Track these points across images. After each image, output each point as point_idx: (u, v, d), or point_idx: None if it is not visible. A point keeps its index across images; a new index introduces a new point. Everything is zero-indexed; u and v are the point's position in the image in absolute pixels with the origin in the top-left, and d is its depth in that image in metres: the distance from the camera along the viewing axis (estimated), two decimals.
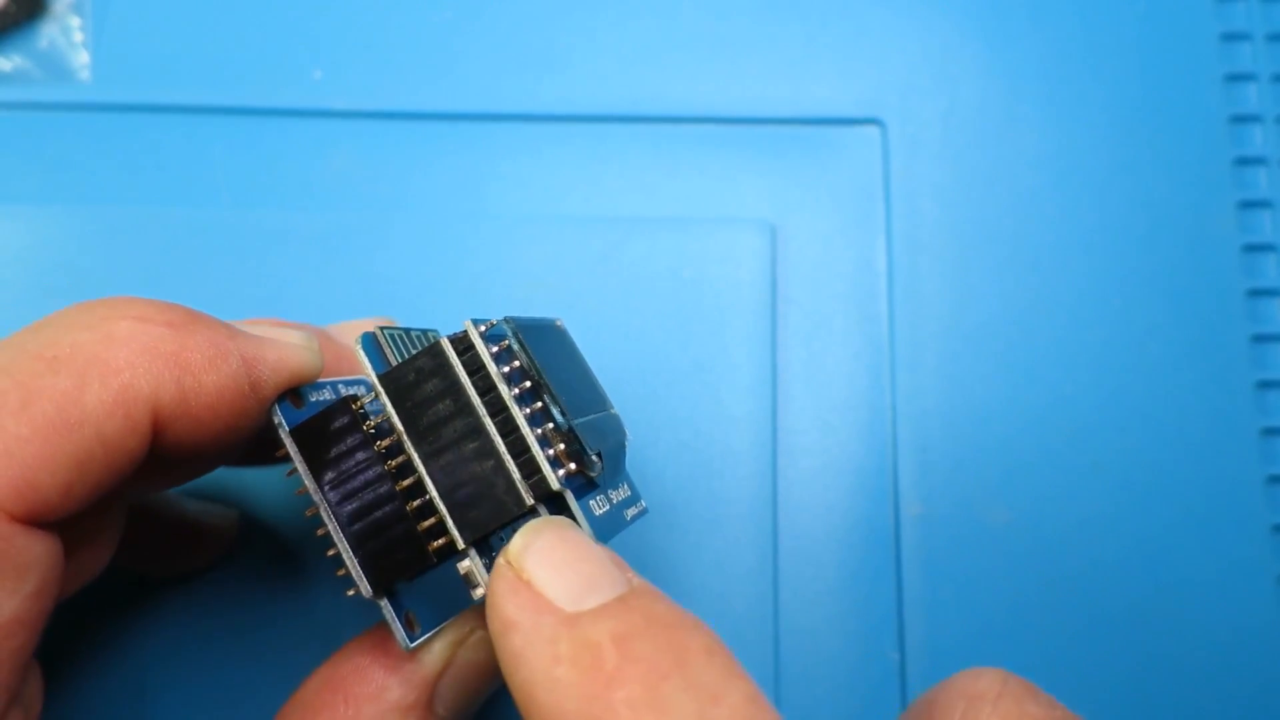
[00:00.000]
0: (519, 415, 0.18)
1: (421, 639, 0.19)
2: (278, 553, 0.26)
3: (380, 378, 0.19)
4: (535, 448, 0.18)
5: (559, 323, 0.22)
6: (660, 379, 0.27)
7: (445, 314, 0.27)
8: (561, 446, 0.18)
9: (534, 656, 0.16)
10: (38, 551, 0.17)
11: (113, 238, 0.28)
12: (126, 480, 0.18)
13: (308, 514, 0.19)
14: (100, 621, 0.25)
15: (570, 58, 0.30)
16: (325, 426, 0.19)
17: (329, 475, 0.19)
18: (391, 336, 0.20)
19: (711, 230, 0.28)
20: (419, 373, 0.18)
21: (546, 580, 0.17)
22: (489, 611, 0.17)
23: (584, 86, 0.30)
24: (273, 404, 0.19)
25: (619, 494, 0.20)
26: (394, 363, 0.19)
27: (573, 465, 0.18)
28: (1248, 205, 0.29)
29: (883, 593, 0.26)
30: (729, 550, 0.26)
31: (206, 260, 0.28)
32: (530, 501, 0.18)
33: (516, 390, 0.18)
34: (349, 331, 0.24)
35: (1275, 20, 0.31)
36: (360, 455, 0.19)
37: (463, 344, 0.18)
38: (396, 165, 0.29)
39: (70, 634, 0.25)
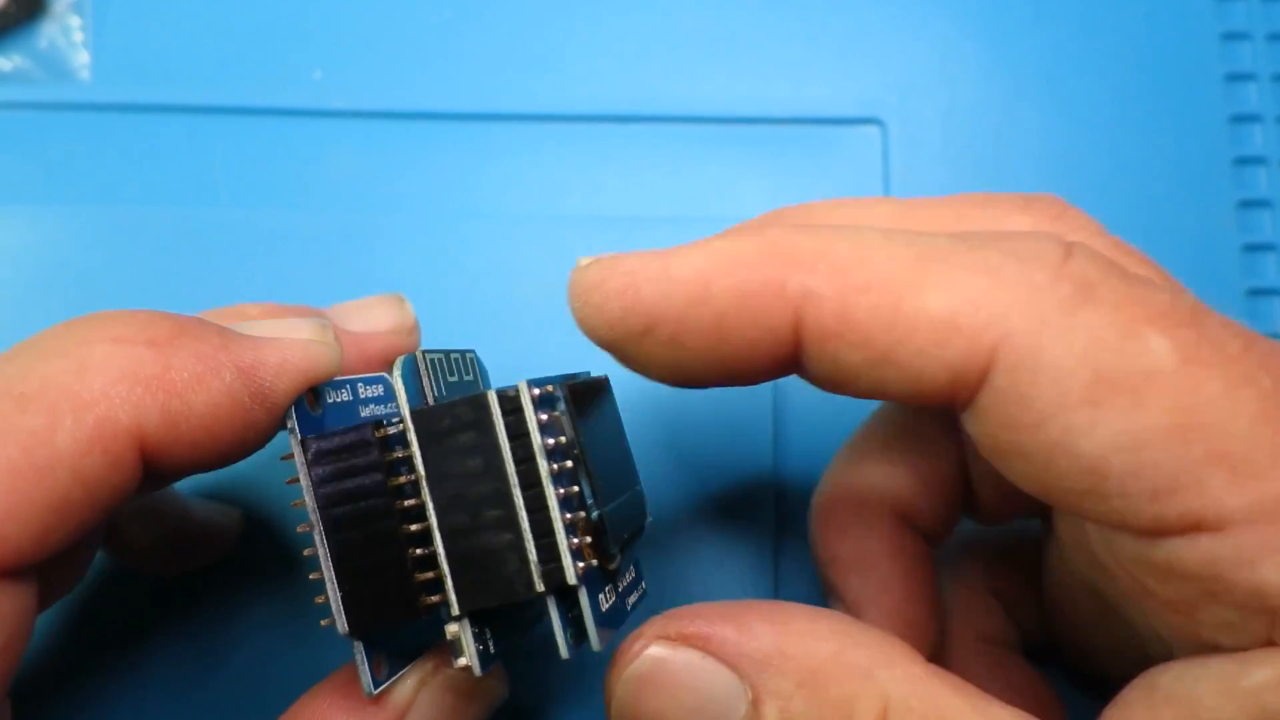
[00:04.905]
0: (551, 496, 0.17)
1: (385, 685, 0.18)
2: (280, 552, 0.26)
3: (413, 413, 0.17)
4: (561, 535, 0.17)
5: (605, 379, 0.20)
6: None
7: (444, 314, 0.27)
8: (588, 539, 0.17)
9: None
10: (5, 610, 0.16)
11: (113, 238, 0.28)
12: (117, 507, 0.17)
13: (299, 529, 0.18)
14: (100, 619, 0.25)
15: (569, 57, 0.30)
16: (341, 445, 0.17)
17: (331, 497, 0.17)
18: (432, 362, 0.19)
19: (711, 230, 0.28)
20: (456, 420, 0.17)
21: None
22: None
23: (584, 86, 0.30)
24: (288, 407, 0.18)
25: (625, 579, 0.19)
26: (428, 390, 0.18)
27: (595, 561, 0.17)
28: (1248, 205, 0.29)
29: None
30: (729, 552, 0.26)
31: (206, 260, 0.28)
32: (540, 588, 0.17)
33: (555, 467, 0.17)
34: (356, 313, 0.22)
35: (1275, 20, 0.31)
36: (370, 486, 0.17)
37: (510, 404, 0.17)
38: (396, 165, 0.29)
39: (69, 631, 0.25)
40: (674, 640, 0.17)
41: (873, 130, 0.30)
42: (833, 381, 0.17)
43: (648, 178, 0.29)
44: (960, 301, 0.16)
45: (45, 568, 0.17)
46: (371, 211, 0.29)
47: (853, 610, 0.21)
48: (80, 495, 0.16)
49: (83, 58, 0.30)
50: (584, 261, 0.18)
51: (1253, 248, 0.29)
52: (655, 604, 0.19)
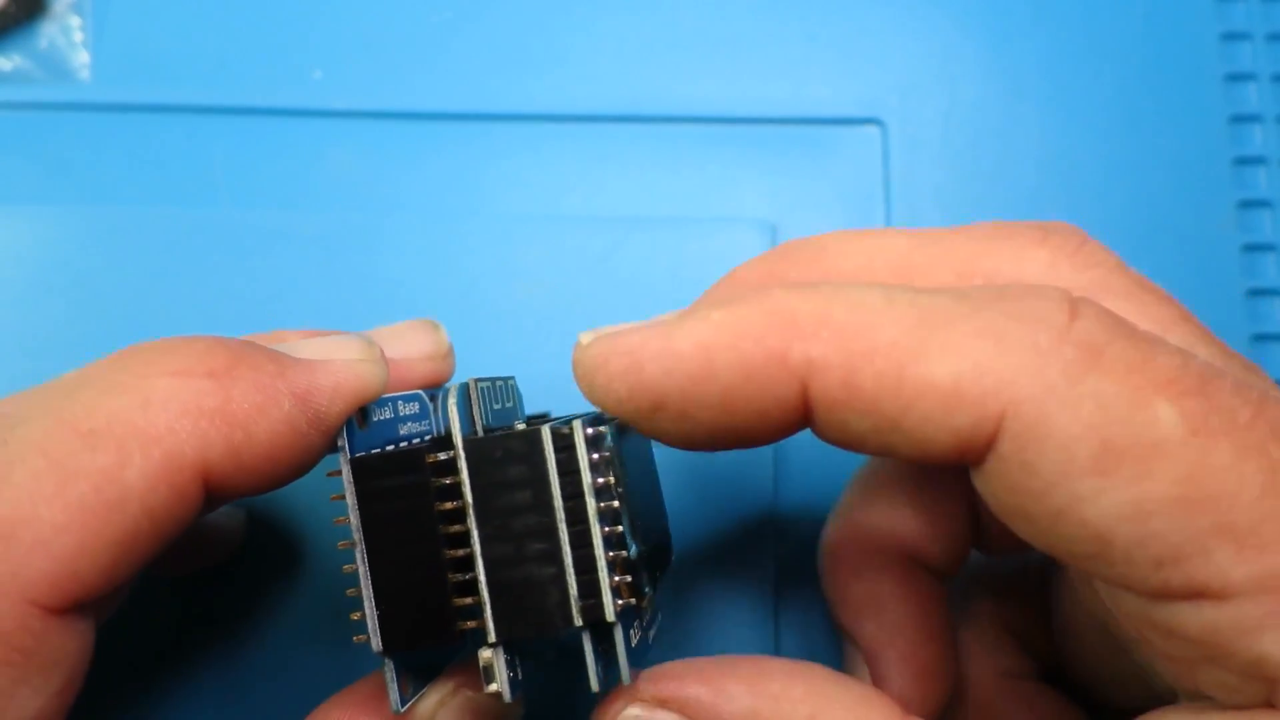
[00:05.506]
0: (597, 534, 0.17)
1: (411, 701, 0.19)
2: (284, 554, 0.26)
3: (465, 443, 0.18)
4: (603, 572, 0.17)
5: None
6: None
7: (445, 314, 0.27)
8: (628, 579, 0.17)
9: None
10: (69, 647, 0.16)
11: (113, 238, 0.28)
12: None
13: (340, 546, 0.18)
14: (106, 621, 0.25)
15: (569, 57, 0.30)
16: (390, 467, 0.18)
17: (376, 517, 0.18)
18: (482, 390, 0.19)
19: (711, 230, 0.28)
20: (507, 453, 0.18)
21: None
22: None
23: (584, 86, 0.30)
24: (340, 427, 0.18)
25: (647, 614, 0.20)
26: (478, 418, 0.19)
27: (632, 600, 0.18)
28: (1248, 205, 0.29)
29: None
30: (729, 554, 0.26)
31: (206, 260, 0.28)
32: (579, 623, 0.17)
33: (602, 505, 0.17)
34: (393, 339, 0.23)
35: (1275, 20, 0.31)
36: (415, 509, 0.18)
37: (563, 441, 0.17)
38: (396, 165, 0.29)
39: None
40: (649, 703, 0.18)
41: (873, 130, 0.30)
42: (841, 443, 0.17)
43: (648, 178, 0.29)
44: (965, 368, 0.15)
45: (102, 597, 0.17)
46: (371, 211, 0.29)
47: (868, 654, 0.21)
48: (147, 529, 0.16)
49: (83, 58, 0.30)
50: (585, 339, 0.18)
51: (1253, 248, 0.29)
52: (661, 638, 0.19)
